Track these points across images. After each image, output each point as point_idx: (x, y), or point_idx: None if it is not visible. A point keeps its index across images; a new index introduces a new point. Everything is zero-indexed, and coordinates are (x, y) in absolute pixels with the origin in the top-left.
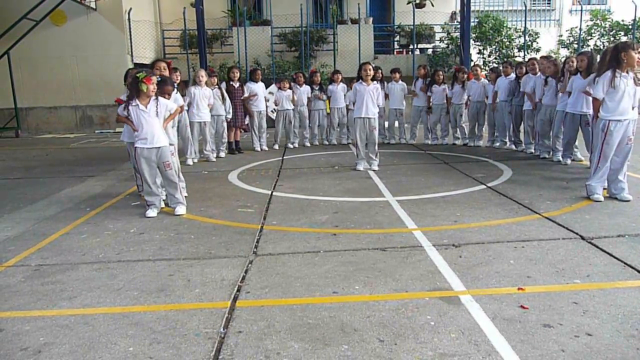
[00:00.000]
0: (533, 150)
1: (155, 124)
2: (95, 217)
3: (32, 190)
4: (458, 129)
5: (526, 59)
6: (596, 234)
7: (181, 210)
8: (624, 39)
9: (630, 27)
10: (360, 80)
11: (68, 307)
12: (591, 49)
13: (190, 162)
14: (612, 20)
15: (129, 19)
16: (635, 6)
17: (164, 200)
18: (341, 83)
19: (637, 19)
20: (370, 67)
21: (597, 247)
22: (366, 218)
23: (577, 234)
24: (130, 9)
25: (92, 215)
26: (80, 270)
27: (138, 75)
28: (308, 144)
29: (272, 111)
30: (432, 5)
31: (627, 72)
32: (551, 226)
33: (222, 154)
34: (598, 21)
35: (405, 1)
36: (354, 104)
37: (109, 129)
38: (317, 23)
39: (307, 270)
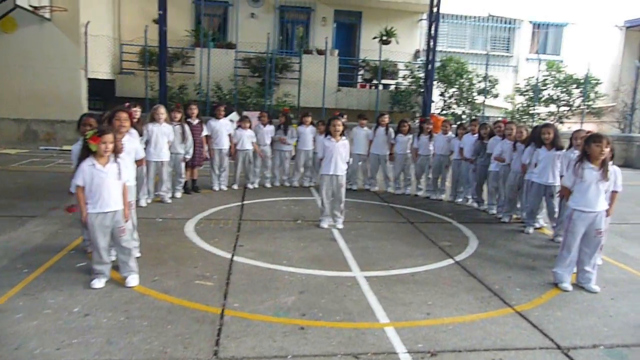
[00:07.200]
0: (495, 212)
1: (112, 186)
2: (34, 284)
3: None
4: (422, 181)
5: (487, 102)
6: (571, 342)
7: (133, 281)
8: (575, 91)
9: (582, 80)
10: (329, 136)
11: None
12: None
13: (143, 202)
14: (566, 72)
15: (85, 33)
16: (589, 62)
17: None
18: (310, 125)
19: (588, 75)
20: (340, 122)
21: None
22: (335, 304)
23: (552, 340)
24: (88, 22)
25: (30, 281)
26: None
27: (86, 135)
28: (269, 185)
29: (230, 120)
30: (397, 43)
31: (594, 165)
32: (525, 327)
33: (178, 194)
34: (553, 72)
35: (371, 37)
36: (321, 160)
37: (55, 145)
38: (283, 50)
39: None
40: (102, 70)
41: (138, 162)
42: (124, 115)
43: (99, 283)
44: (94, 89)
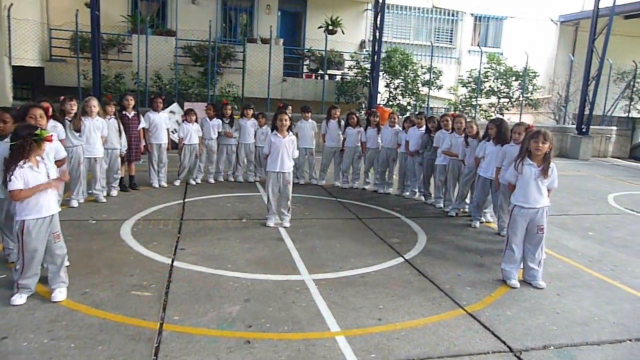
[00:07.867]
0: (442, 205)
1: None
2: None
3: None
4: (370, 174)
5: (431, 93)
6: (523, 343)
7: (61, 295)
8: (515, 84)
9: (520, 73)
10: (275, 132)
11: None
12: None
13: (75, 203)
14: (506, 65)
15: (8, 16)
16: (527, 56)
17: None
18: (252, 118)
19: (527, 68)
20: (287, 117)
21: None
22: (282, 312)
23: (504, 342)
24: (11, 4)
25: None
26: None
27: (39, 133)
28: (212, 180)
29: (173, 131)
30: (343, 33)
31: (534, 162)
32: (477, 330)
33: (114, 192)
34: (494, 65)
35: (316, 26)
36: (267, 156)
37: None
38: (226, 38)
39: None
40: (28, 57)
41: (58, 163)
42: (38, 111)
43: (20, 299)
44: (20, 77)
